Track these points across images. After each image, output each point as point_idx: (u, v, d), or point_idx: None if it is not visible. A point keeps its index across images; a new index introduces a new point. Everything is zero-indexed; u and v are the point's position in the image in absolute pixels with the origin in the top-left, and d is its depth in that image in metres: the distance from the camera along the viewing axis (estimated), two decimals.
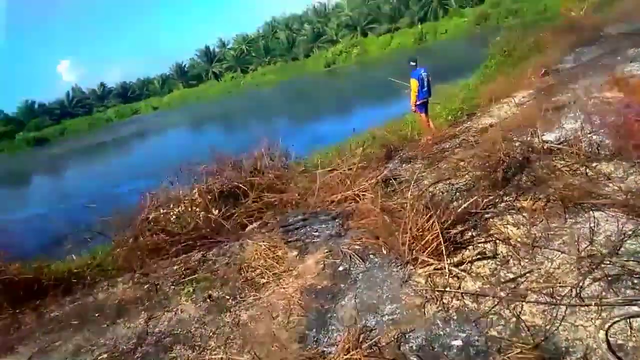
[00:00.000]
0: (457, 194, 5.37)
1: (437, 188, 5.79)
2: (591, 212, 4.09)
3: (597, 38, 15.17)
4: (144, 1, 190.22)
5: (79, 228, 8.74)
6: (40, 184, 39.81)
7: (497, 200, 4.73)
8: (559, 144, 5.83)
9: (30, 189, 38.84)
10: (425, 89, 10.04)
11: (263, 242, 5.31)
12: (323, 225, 5.64)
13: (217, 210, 7.35)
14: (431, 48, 62.53)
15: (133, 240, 7.21)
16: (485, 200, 4.65)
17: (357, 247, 4.76)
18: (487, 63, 19.17)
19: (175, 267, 5.81)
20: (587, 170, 5.00)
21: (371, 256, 4.58)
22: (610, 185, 4.56)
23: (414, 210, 4.41)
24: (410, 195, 4.82)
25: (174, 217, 7.24)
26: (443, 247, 3.82)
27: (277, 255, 5.06)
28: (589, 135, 5.88)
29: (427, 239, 3.97)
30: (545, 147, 5.76)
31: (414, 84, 9.91)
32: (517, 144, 6.38)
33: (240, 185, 7.33)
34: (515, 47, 18.21)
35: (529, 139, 6.22)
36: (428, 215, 4.13)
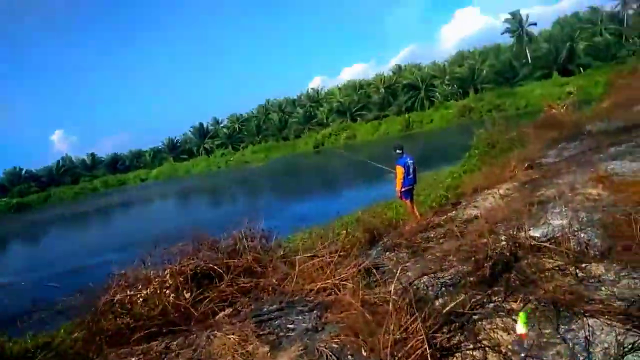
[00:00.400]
0: (443, 288, 5.07)
1: (422, 281, 5.48)
2: (585, 319, 3.80)
3: (578, 135, 15.66)
4: (142, 76, 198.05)
5: (42, 303, 8.09)
6: (14, 251, 38.51)
7: (485, 300, 4.44)
8: (546, 241, 5.65)
9: (3, 256, 37.45)
10: (411, 176, 10.08)
11: (233, 334, 4.86)
12: (299, 317, 5.24)
13: (188, 294, 6.91)
14: (417, 136, 64.78)
15: (94, 323, 6.68)
16: (472, 299, 4.35)
17: (334, 345, 4.35)
18: (471, 153, 19.59)
19: (134, 359, 5.27)
20: (577, 271, 4.78)
21: (349, 357, 4.17)
22: (603, 289, 4.32)
23: (397, 308, 4.09)
24: (394, 290, 4.50)
25: (141, 299, 6.76)
26: (428, 354, 3.46)
27: (247, 351, 4.60)
28: (576, 233, 5.72)
29: (411, 344, 3.61)
30: (532, 244, 5.56)
31: (399, 171, 9.95)
32: (503, 237, 6.20)
33: (216, 267, 6.94)
34: (498, 140, 18.66)
35: (515, 233, 6.04)
36: (412, 318, 3.80)
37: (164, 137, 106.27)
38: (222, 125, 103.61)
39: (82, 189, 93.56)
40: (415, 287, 5.21)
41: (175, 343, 5.53)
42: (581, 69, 72.67)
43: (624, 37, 73.38)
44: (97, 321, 6.63)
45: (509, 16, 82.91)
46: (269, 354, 4.57)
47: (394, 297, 4.40)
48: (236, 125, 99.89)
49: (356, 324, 4.55)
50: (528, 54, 78.92)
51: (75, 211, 60.89)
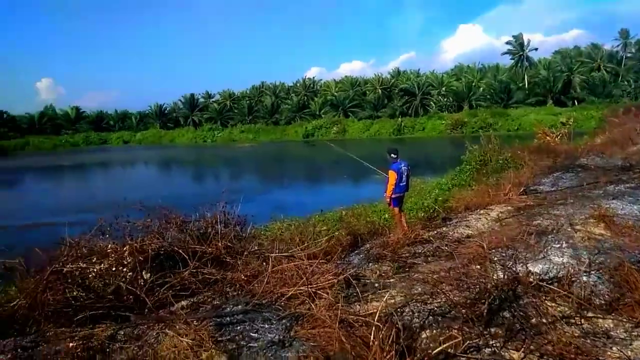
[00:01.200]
0: (431, 317, 4.51)
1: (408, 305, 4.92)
2: None
3: (573, 166, 15.32)
4: (140, 37, 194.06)
5: None
6: None
7: (480, 342, 3.89)
8: (548, 280, 5.13)
9: None
10: (404, 183, 9.55)
11: (186, 336, 4.23)
12: (266, 326, 4.62)
13: (147, 275, 6.24)
14: (407, 141, 64.58)
15: (38, 294, 5.95)
16: (467, 340, 3.79)
17: None
18: (463, 168, 19.16)
19: (72, 344, 4.59)
20: (583, 321, 4.27)
21: None
22: (614, 349, 3.80)
23: (380, 339, 3.52)
24: (378, 314, 3.92)
25: (93, 274, 6.06)
26: None
27: (200, 359, 3.98)
28: (580, 276, 5.22)
29: None
30: (532, 281, 5.04)
31: (392, 176, 9.42)
32: (499, 267, 5.69)
33: (181, 251, 6.28)
34: (492, 158, 18.26)
35: (512, 265, 5.52)
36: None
37: (152, 102, 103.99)
38: (213, 99, 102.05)
39: (62, 141, 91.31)
40: (399, 310, 4.64)
41: (122, 332, 4.87)
42: (575, 101, 73.41)
43: (620, 77, 74.40)
44: (41, 292, 5.91)
45: (511, 38, 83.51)
46: None
47: (377, 323, 3.82)
48: (228, 102, 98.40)
49: (329, 346, 3.98)
50: (525, 79, 79.36)
51: (51, 163, 59.10)
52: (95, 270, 6.07)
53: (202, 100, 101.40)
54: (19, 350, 4.70)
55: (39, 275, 5.94)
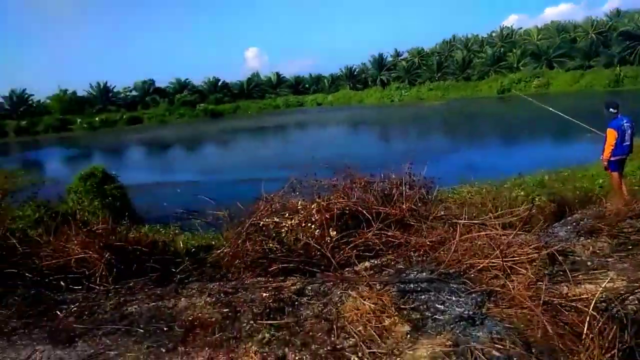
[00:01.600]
0: None
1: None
2: None
3: None
4: (333, 8, 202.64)
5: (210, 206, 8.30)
6: (204, 154, 43.85)
7: None
8: None
9: (197, 156, 42.94)
10: (627, 143, 8.00)
11: (369, 300, 4.12)
12: (453, 298, 4.24)
13: (334, 232, 6.37)
14: (627, 94, 54.36)
15: (241, 243, 6.59)
16: None
17: (496, 353, 3.31)
18: None
19: (266, 294, 4.92)
20: None
21: None
22: None
23: (597, 332, 2.86)
24: (594, 301, 3.21)
25: (285, 229, 6.44)
26: None
27: (382, 325, 3.83)
28: None
29: None
30: None
31: (611, 135, 7.95)
32: None
33: (365, 212, 6.21)
34: None
35: None
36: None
37: (343, 65, 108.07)
38: (401, 57, 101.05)
39: (265, 105, 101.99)
40: (621, 300, 3.78)
41: (309, 288, 5.03)
42: None
43: None
44: (242, 242, 6.53)
45: None
46: (408, 336, 3.73)
47: (593, 312, 3.14)
48: (416, 60, 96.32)
49: (529, 331, 3.44)
50: None
51: (257, 125, 66.68)
52: (287, 225, 6.45)
53: (390, 59, 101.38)
54: (221, 294, 5.19)
55: (240, 226, 6.55)
